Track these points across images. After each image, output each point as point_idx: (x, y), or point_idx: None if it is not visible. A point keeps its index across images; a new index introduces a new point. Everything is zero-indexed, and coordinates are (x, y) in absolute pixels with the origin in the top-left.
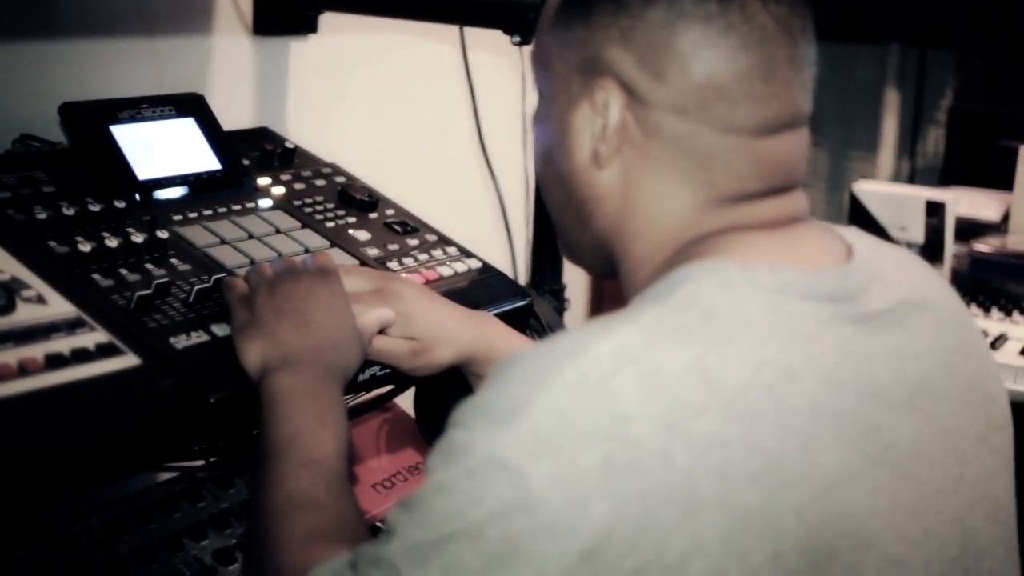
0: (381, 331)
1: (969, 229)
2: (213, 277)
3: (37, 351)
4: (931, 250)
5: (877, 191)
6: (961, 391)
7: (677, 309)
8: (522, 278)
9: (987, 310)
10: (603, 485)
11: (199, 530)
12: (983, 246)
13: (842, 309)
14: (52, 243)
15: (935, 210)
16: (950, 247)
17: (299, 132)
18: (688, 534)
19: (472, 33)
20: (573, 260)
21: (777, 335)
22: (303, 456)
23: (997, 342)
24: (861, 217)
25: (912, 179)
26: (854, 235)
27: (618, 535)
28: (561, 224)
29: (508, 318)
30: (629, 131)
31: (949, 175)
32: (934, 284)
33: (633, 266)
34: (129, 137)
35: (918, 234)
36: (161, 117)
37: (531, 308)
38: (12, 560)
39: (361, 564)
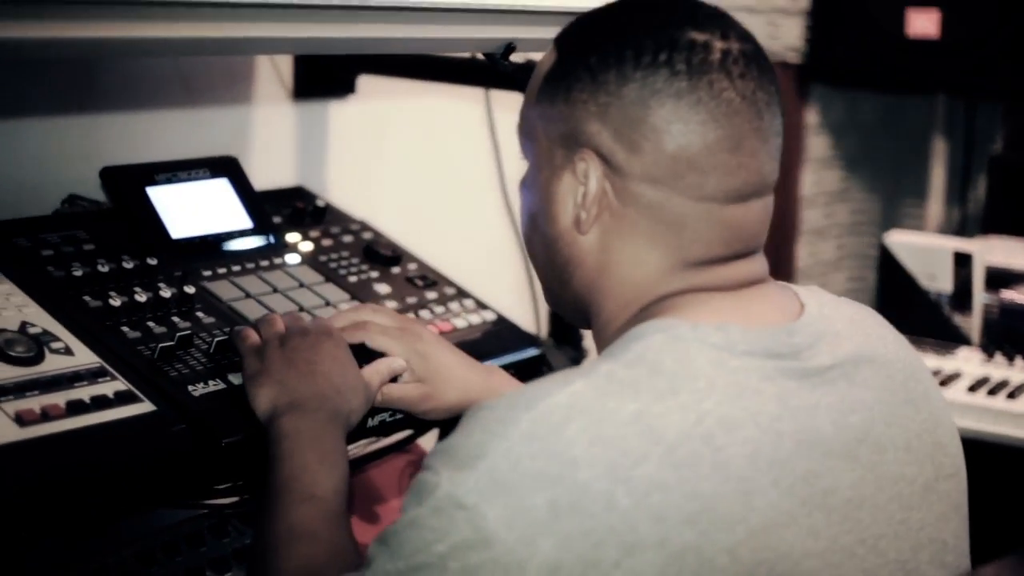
0: (393, 380)
1: (1002, 278)
2: (233, 330)
3: (60, 398)
4: (960, 299)
5: (906, 242)
6: (908, 441)
7: (628, 365)
8: (544, 329)
9: (1011, 360)
10: (551, 524)
11: (223, 563)
12: (1013, 295)
13: (785, 364)
14: (87, 298)
15: (964, 261)
16: (979, 297)
17: (337, 190)
18: (628, 570)
19: (496, 95)
20: (556, 310)
21: (718, 389)
22: (303, 492)
23: (1018, 391)
24: (891, 267)
25: (962, 226)
26: (812, 294)
27: (564, 570)
28: (544, 280)
29: (520, 367)
30: (607, 199)
31: (992, 223)
32: (887, 340)
33: (604, 322)
34: (164, 198)
35: (947, 284)
36: (196, 179)
37: (543, 358)
38: None
39: None
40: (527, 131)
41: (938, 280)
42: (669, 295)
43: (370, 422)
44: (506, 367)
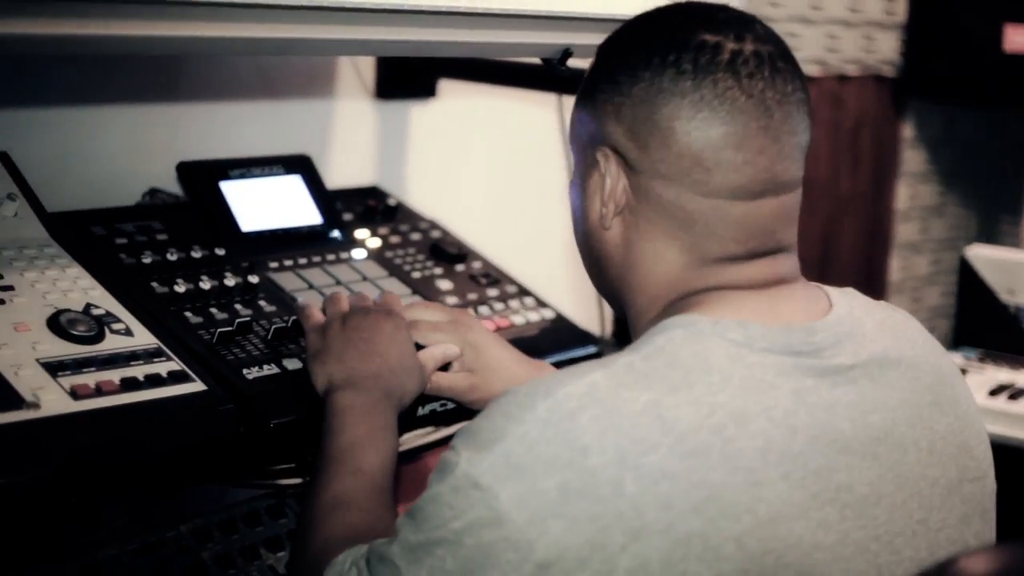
0: (444, 368)
1: None
2: (292, 318)
3: (115, 375)
4: None
5: (986, 255)
6: (932, 443)
7: (646, 357)
8: (608, 329)
9: None
10: (560, 507)
11: (277, 543)
12: None
13: (804, 362)
14: (154, 284)
15: None
16: None
17: (414, 190)
18: (633, 554)
19: (569, 100)
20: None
21: (733, 383)
22: (352, 465)
23: None
24: (971, 280)
25: None
26: (844, 296)
27: (571, 551)
28: (590, 276)
29: (577, 362)
30: (626, 195)
31: None
32: (916, 344)
33: (635, 316)
34: (236, 192)
35: None
36: (269, 175)
37: (599, 356)
38: (99, 561)
39: (372, 559)
40: (571, 135)
41: (1017, 294)
42: (695, 292)
43: (420, 410)
44: (562, 364)
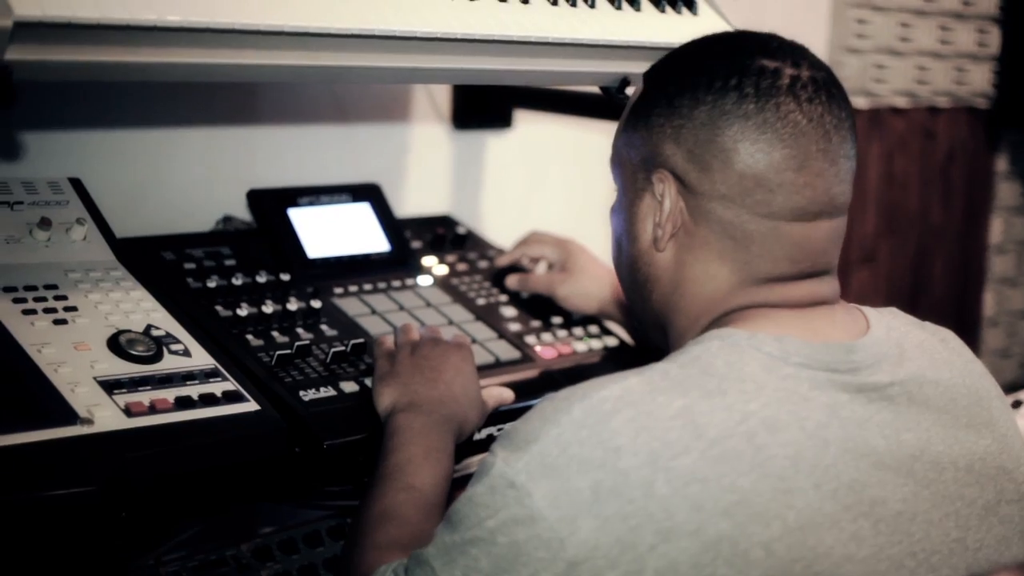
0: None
1: None
2: (352, 342)
3: (170, 394)
4: None
5: None
6: (970, 463)
7: (681, 365)
8: None
9: None
10: (592, 506)
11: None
12: None
13: (839, 378)
14: (218, 307)
15: None
16: None
17: (488, 219)
18: (663, 555)
19: None
20: (641, 335)
21: (766, 392)
22: (404, 481)
23: None
24: None
25: None
26: (884, 317)
27: (601, 550)
28: (631, 301)
29: None
30: (682, 217)
31: None
32: (954, 366)
33: (676, 336)
34: (305, 219)
35: None
36: (337, 202)
37: None
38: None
39: (410, 564)
40: (615, 159)
41: None
42: (735, 310)
43: (477, 435)
44: None
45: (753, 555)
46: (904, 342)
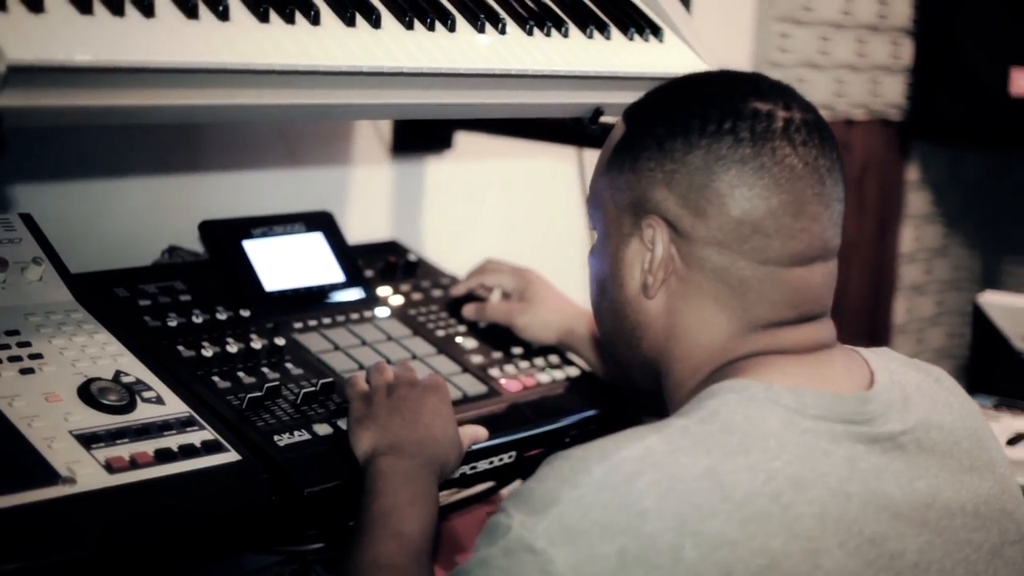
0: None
1: None
2: (320, 381)
3: (149, 447)
4: None
5: (999, 303)
6: (976, 507)
7: (701, 422)
8: None
9: None
10: (617, 572)
11: None
12: None
13: (855, 429)
14: (180, 347)
15: None
16: None
17: (432, 244)
18: None
19: (590, 154)
20: (621, 378)
21: (788, 449)
22: (392, 529)
23: None
24: (984, 326)
25: None
26: (880, 359)
27: None
28: (612, 346)
29: (604, 420)
30: (674, 263)
31: None
32: (952, 408)
33: (674, 385)
34: (259, 251)
35: None
36: (291, 232)
37: (625, 410)
38: None
39: None
40: (596, 201)
41: None
42: (739, 358)
43: (454, 474)
44: (591, 420)
45: None
46: (906, 386)
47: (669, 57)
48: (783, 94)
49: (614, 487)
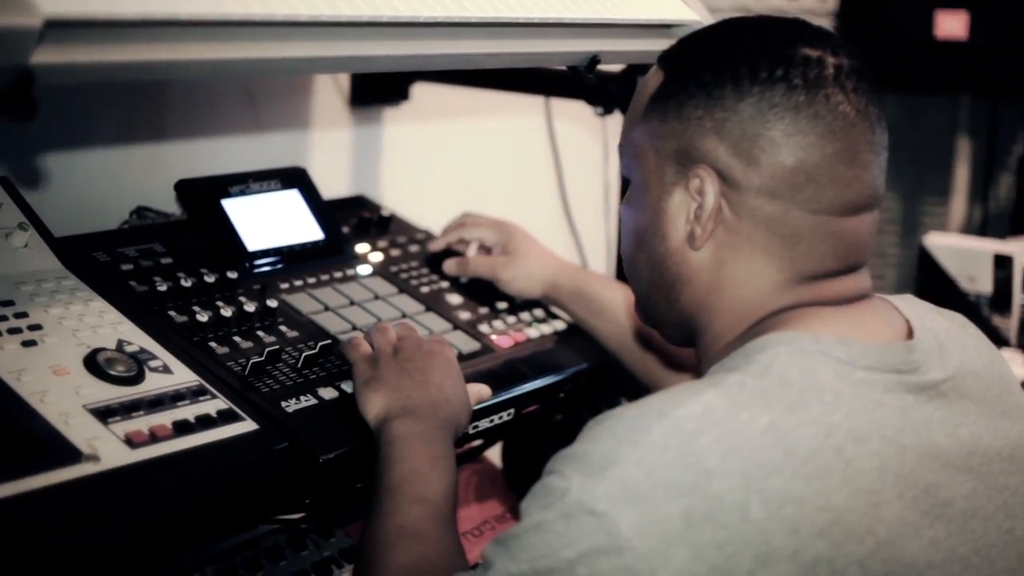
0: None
1: None
2: (319, 343)
3: (166, 419)
4: (1000, 301)
5: (946, 244)
6: (1012, 451)
7: (756, 376)
8: None
9: None
10: (684, 533)
11: None
12: None
13: (904, 379)
14: (172, 313)
15: (1003, 262)
16: (1018, 298)
17: (393, 197)
18: None
19: (557, 103)
20: (654, 329)
21: (846, 402)
22: (415, 494)
23: None
24: (931, 269)
25: (984, 225)
26: (912, 307)
27: None
28: (648, 300)
29: (595, 373)
30: (723, 214)
31: (1020, 223)
32: (981, 352)
33: (712, 338)
34: (239, 210)
35: (987, 286)
36: (267, 190)
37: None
38: None
39: None
40: (632, 151)
41: (977, 282)
42: (781, 310)
43: None
44: (583, 374)
45: (849, 573)
46: (939, 334)
47: (658, 4)
48: (829, 40)
49: (676, 446)
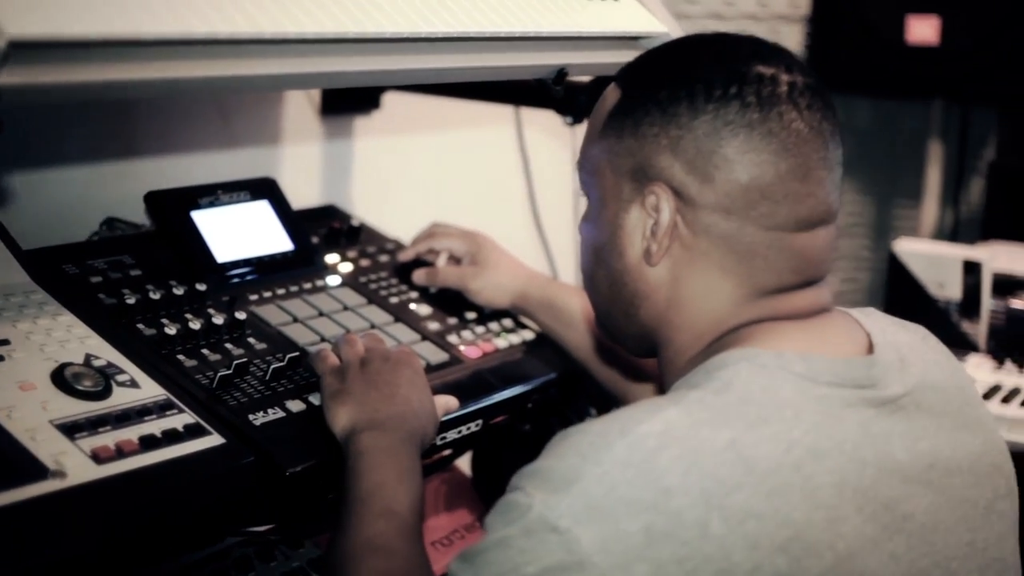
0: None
1: (1008, 284)
2: (288, 356)
3: (132, 434)
4: (969, 307)
5: (916, 250)
6: (971, 464)
7: (717, 392)
8: None
9: (1022, 367)
10: (645, 549)
11: None
12: (1020, 303)
13: (865, 394)
14: (140, 325)
15: (972, 268)
16: (987, 304)
17: (364, 207)
18: None
19: (526, 113)
20: (613, 343)
21: (806, 418)
22: (381, 507)
23: None
24: (900, 274)
25: (955, 230)
26: (871, 320)
27: None
28: (607, 316)
29: (563, 383)
30: (678, 231)
31: (990, 229)
32: (942, 366)
33: (674, 353)
34: (208, 222)
35: (956, 291)
36: (237, 201)
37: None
38: None
39: None
40: (590, 167)
41: (947, 288)
42: (742, 325)
43: None
44: (551, 383)
45: None
46: (900, 347)
47: (626, 16)
48: (783, 58)
49: (637, 463)
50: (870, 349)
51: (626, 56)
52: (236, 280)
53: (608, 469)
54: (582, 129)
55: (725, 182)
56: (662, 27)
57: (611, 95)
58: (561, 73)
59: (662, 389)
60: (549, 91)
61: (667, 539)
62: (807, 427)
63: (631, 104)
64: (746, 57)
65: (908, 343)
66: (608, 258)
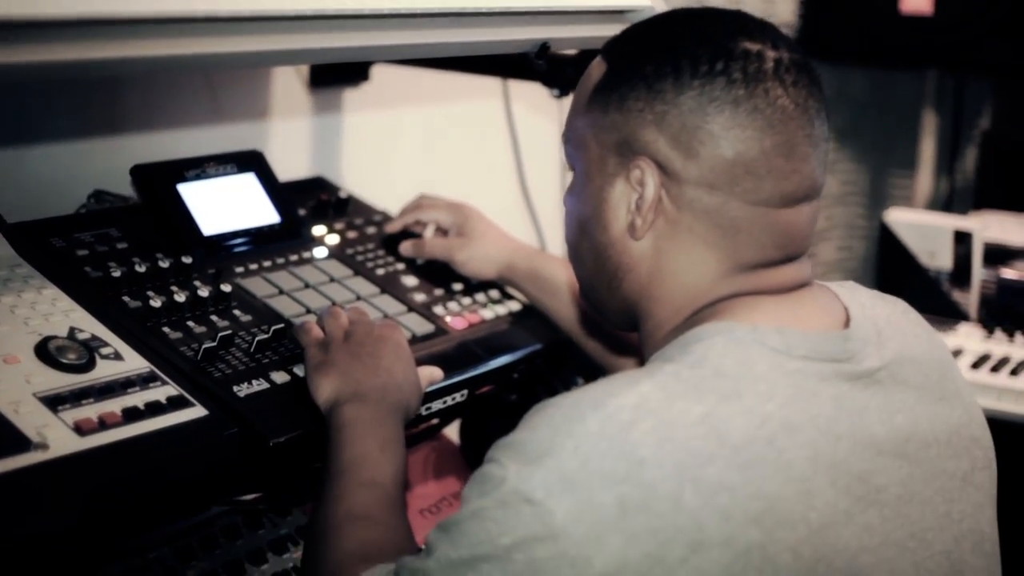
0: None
1: (999, 254)
2: (272, 328)
3: (115, 406)
4: (959, 276)
5: (907, 220)
6: (948, 436)
7: (691, 366)
8: None
9: (1011, 336)
10: (618, 521)
11: (259, 555)
12: (1011, 272)
13: (840, 368)
14: (126, 298)
15: (963, 238)
16: (978, 274)
17: (353, 179)
18: (694, 567)
19: (514, 86)
20: (596, 315)
21: (779, 392)
22: (364, 478)
23: (1020, 368)
24: (891, 244)
25: (950, 199)
26: (850, 294)
27: (630, 566)
28: (591, 288)
29: (549, 354)
30: (663, 205)
31: (983, 198)
32: (920, 339)
33: (654, 326)
34: (194, 195)
35: (947, 261)
36: (223, 174)
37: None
38: None
39: (402, 573)
40: (575, 140)
41: (938, 257)
42: (720, 299)
43: None
44: (537, 354)
45: (781, 560)
46: (878, 320)
47: None
48: (769, 33)
49: (611, 435)
50: (848, 323)
51: (610, 30)
52: (222, 252)
53: (582, 441)
54: (569, 102)
55: (710, 157)
56: (646, 1)
57: (597, 69)
58: (544, 47)
59: (643, 362)
60: (532, 66)
61: (640, 511)
62: (781, 401)
63: (617, 78)
64: (732, 33)
65: (887, 316)
66: (592, 231)
